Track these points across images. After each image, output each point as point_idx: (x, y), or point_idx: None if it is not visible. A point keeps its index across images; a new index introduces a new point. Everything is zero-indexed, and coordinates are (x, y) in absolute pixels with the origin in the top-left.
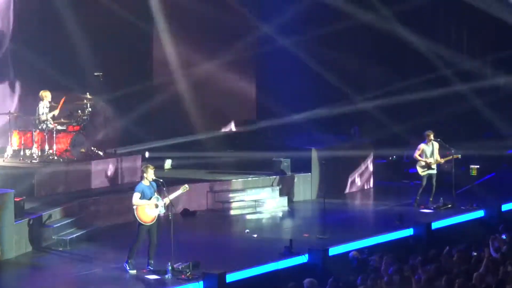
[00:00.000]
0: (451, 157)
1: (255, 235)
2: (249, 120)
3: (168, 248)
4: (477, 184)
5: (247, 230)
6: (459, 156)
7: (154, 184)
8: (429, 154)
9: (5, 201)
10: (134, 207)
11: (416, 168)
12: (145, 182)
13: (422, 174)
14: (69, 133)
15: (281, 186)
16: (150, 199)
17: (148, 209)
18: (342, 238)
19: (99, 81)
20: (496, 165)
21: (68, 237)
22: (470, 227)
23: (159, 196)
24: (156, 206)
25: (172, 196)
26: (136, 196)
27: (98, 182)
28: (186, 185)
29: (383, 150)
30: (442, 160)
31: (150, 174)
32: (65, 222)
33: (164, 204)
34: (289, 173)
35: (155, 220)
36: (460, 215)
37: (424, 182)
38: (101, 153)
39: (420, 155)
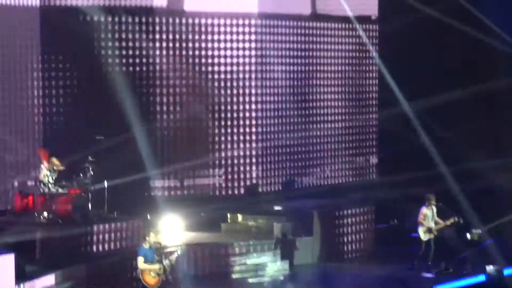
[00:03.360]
0: (453, 220)
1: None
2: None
3: None
4: (479, 248)
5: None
6: (461, 220)
7: (153, 248)
8: (431, 218)
9: (6, 264)
10: (140, 271)
11: (417, 233)
12: (146, 245)
13: (424, 239)
14: (70, 196)
15: (281, 249)
16: (152, 262)
17: (153, 272)
18: None
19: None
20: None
21: None
22: None
23: (161, 258)
24: (160, 268)
25: (174, 257)
26: (140, 260)
27: (100, 245)
28: (180, 247)
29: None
30: (445, 224)
31: (152, 238)
32: (67, 285)
33: (168, 264)
34: (290, 237)
35: (160, 283)
36: (462, 279)
37: (424, 247)
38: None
39: (423, 219)
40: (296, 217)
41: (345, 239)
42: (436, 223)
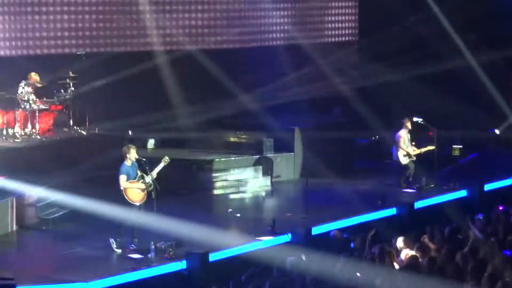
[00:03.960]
0: (427, 148)
1: (238, 215)
2: None
3: (151, 227)
4: (460, 164)
5: (230, 210)
6: (434, 147)
7: (136, 163)
8: (407, 141)
9: None
10: (123, 189)
11: (395, 156)
12: (128, 162)
13: (406, 162)
14: (52, 112)
15: (263, 165)
16: (135, 178)
17: (136, 189)
18: (324, 217)
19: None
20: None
21: (51, 216)
22: (453, 207)
23: (144, 174)
24: (144, 183)
25: (156, 171)
26: (123, 179)
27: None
28: (167, 157)
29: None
30: (420, 151)
31: (132, 154)
32: (50, 200)
33: (151, 180)
34: (272, 153)
35: (145, 199)
36: (443, 195)
37: (411, 168)
38: (84, 132)
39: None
40: (277, 134)
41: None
42: (414, 150)
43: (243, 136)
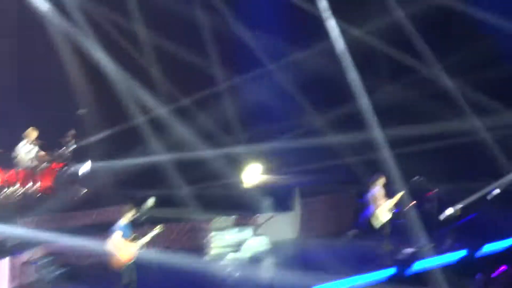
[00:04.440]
0: (399, 195)
1: (237, 274)
2: None
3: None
4: (460, 224)
5: (229, 269)
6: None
7: (131, 224)
8: (383, 197)
9: None
10: (113, 247)
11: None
12: (123, 222)
13: (385, 220)
14: (53, 170)
15: (262, 225)
16: (129, 238)
17: (125, 250)
18: (325, 277)
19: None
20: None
21: (51, 275)
22: (452, 267)
23: (136, 236)
24: (136, 245)
25: (148, 237)
26: (118, 234)
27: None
28: (162, 225)
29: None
30: (392, 204)
31: (130, 215)
32: (48, 259)
33: (142, 244)
34: (270, 212)
35: (134, 259)
36: (442, 255)
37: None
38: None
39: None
40: (277, 193)
41: (326, 215)
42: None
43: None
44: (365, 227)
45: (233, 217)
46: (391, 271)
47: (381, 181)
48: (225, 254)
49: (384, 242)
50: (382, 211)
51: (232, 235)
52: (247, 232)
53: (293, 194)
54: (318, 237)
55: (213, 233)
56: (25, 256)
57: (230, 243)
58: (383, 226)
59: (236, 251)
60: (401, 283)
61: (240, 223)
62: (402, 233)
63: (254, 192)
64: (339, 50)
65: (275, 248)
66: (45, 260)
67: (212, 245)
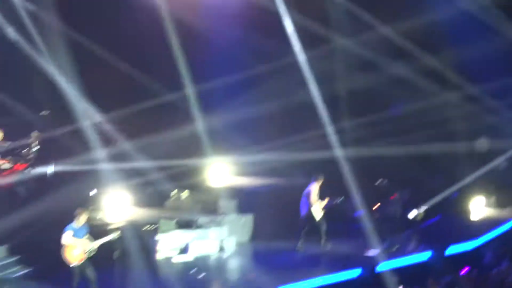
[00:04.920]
0: (326, 200)
1: (201, 275)
2: None
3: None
4: (424, 226)
5: (194, 270)
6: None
7: (84, 227)
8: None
9: None
10: (63, 247)
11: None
12: (75, 224)
13: (319, 217)
14: (15, 172)
15: (228, 227)
16: (81, 239)
17: (74, 250)
18: (290, 278)
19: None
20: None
21: (13, 275)
22: (415, 269)
23: (89, 238)
24: (84, 248)
25: (102, 241)
26: (68, 234)
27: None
28: (118, 232)
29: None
30: (322, 205)
31: (83, 218)
32: (11, 260)
33: (93, 246)
34: (235, 214)
35: (83, 261)
36: (406, 256)
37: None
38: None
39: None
40: (241, 195)
41: (289, 217)
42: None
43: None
44: (306, 220)
45: (176, 219)
46: (356, 272)
47: (319, 180)
48: (171, 256)
49: (323, 241)
50: (317, 209)
51: (177, 237)
52: (212, 232)
53: (257, 196)
54: (281, 238)
55: (159, 236)
56: None
57: (176, 245)
58: (320, 222)
59: (181, 252)
60: (366, 284)
61: (186, 225)
62: (365, 235)
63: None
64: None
65: (240, 250)
66: (9, 260)
67: (158, 247)
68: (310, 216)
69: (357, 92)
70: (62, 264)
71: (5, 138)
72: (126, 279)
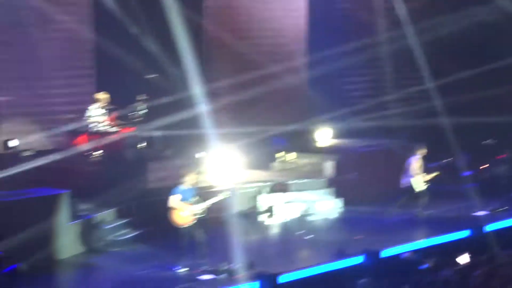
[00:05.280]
0: (434, 174)
1: (310, 237)
2: None
3: (223, 249)
4: None
5: (302, 232)
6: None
7: (192, 189)
8: (420, 168)
9: (60, 202)
10: (170, 209)
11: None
12: (185, 186)
13: (418, 189)
14: (122, 135)
15: (335, 188)
16: (189, 202)
17: (182, 212)
18: (395, 240)
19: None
20: None
21: (122, 238)
22: None
23: (197, 200)
24: (195, 209)
25: (212, 201)
26: (176, 198)
27: (153, 182)
28: (229, 192)
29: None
30: (428, 178)
31: (191, 179)
32: (120, 222)
33: (202, 208)
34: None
35: (194, 222)
36: None
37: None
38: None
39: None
40: (345, 156)
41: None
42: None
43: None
44: (406, 190)
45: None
46: (465, 233)
47: (422, 151)
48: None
49: (419, 210)
50: (417, 180)
51: (305, 197)
52: (320, 194)
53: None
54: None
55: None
56: (95, 219)
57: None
58: (420, 193)
59: (309, 213)
60: (474, 245)
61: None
62: (473, 195)
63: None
64: None
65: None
66: (118, 223)
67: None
68: (410, 186)
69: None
70: (171, 226)
71: (112, 101)
72: (232, 241)
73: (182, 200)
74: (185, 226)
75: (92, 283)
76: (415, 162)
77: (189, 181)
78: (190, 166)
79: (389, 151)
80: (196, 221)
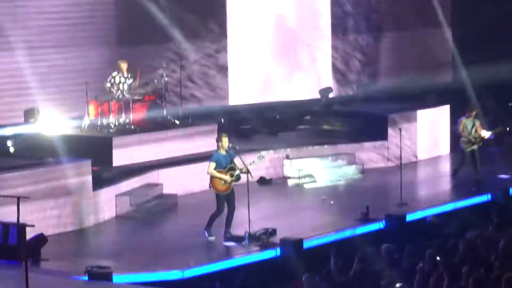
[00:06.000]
0: (498, 129)
1: (332, 202)
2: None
3: (245, 216)
4: None
5: (324, 197)
6: (508, 128)
7: (230, 152)
8: (470, 129)
9: (83, 171)
10: (209, 177)
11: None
12: (221, 151)
13: (467, 150)
14: (145, 103)
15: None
16: (225, 168)
17: (221, 179)
18: (418, 204)
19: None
20: None
21: (147, 205)
22: None
23: (235, 165)
24: (232, 175)
25: (246, 165)
26: (211, 166)
27: (173, 150)
28: (263, 153)
29: None
30: (488, 134)
31: (224, 142)
32: (144, 191)
33: (240, 172)
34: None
35: (231, 189)
36: None
37: (467, 159)
38: (177, 121)
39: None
40: (369, 121)
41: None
42: (479, 133)
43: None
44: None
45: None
46: (485, 198)
47: (472, 112)
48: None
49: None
50: (464, 141)
51: (326, 163)
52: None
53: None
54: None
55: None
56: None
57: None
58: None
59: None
60: (497, 208)
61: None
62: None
63: None
64: None
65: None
66: (142, 191)
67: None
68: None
69: None
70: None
71: (132, 69)
72: (256, 208)
73: (219, 166)
74: (225, 192)
75: (119, 250)
76: (461, 121)
77: (224, 145)
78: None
79: None
80: (231, 188)
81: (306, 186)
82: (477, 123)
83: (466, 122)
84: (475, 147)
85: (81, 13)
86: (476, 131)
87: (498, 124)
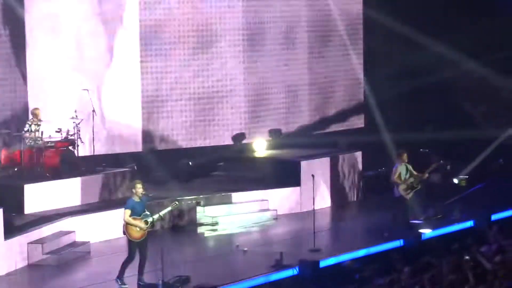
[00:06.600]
0: (435, 166)
1: (245, 249)
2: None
3: (158, 263)
4: (467, 194)
5: (237, 244)
6: (441, 162)
7: (144, 199)
8: (405, 174)
9: None
10: (124, 224)
11: (398, 193)
12: (135, 198)
13: (409, 196)
14: (58, 149)
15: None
16: (140, 215)
17: (136, 227)
18: (332, 250)
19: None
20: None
21: (59, 253)
22: (460, 237)
23: (149, 212)
24: (147, 222)
25: (162, 212)
26: (127, 213)
27: (87, 198)
28: (177, 202)
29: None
30: (426, 174)
31: (139, 189)
32: (56, 239)
33: (154, 220)
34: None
35: (145, 237)
36: (450, 225)
37: (410, 203)
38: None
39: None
40: (282, 167)
41: (333, 187)
42: (415, 176)
43: None
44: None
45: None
46: (398, 243)
47: (402, 156)
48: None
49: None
50: (403, 188)
51: (240, 209)
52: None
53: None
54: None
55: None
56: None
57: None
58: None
59: (244, 225)
60: (407, 254)
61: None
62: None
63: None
64: None
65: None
66: (55, 239)
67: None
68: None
69: None
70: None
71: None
72: (169, 255)
73: (133, 214)
74: (138, 240)
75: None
76: (396, 170)
77: (138, 192)
78: (135, 177)
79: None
80: (146, 235)
81: (219, 233)
82: (410, 167)
83: (400, 169)
84: (416, 190)
85: None
86: (411, 175)
87: (430, 163)
